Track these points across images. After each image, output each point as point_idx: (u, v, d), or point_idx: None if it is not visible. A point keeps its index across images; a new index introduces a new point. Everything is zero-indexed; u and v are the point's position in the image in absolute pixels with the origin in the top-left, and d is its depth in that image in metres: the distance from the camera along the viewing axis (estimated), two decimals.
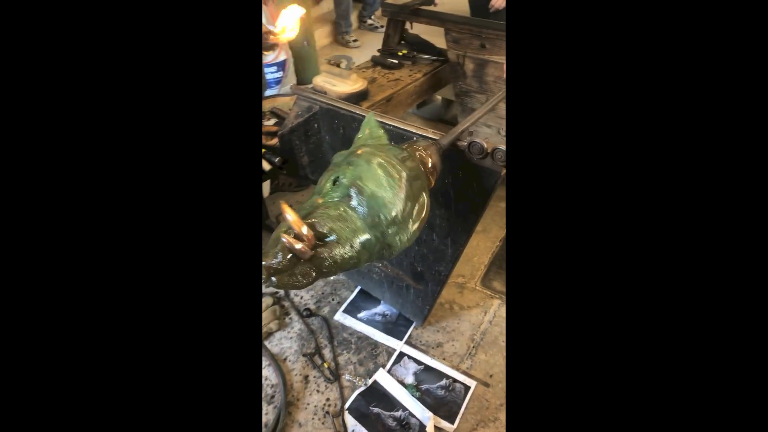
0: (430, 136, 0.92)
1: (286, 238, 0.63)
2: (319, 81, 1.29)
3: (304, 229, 0.64)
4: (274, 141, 1.23)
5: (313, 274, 0.66)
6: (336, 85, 1.34)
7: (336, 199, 0.73)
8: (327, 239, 0.68)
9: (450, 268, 1.14)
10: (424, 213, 0.75)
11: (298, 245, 0.63)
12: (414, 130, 0.95)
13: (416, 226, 0.74)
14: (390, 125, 0.99)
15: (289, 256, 0.65)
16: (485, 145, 0.82)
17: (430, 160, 0.84)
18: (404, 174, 0.73)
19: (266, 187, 1.55)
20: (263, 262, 0.64)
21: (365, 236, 0.70)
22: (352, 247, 0.69)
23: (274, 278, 0.64)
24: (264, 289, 1.58)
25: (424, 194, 0.77)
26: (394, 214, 0.71)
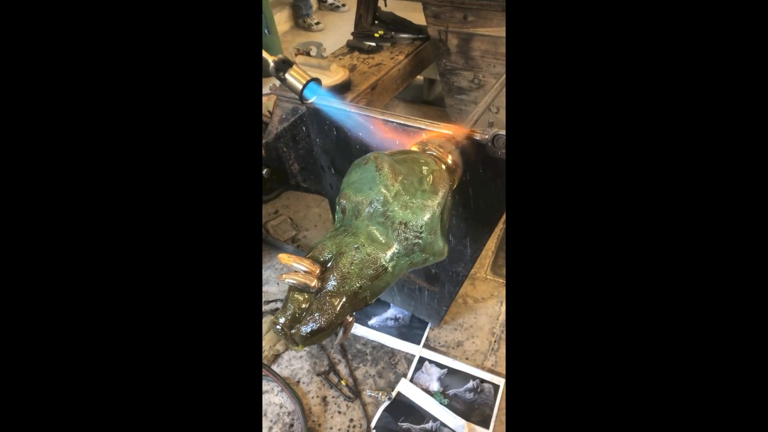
0: (443, 130, 0.82)
1: (286, 277, 0.54)
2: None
3: (297, 264, 0.56)
4: None
5: (336, 302, 0.56)
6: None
7: (337, 225, 0.67)
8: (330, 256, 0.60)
9: (469, 268, 1.05)
10: (433, 182, 0.65)
11: (298, 276, 0.55)
12: (424, 126, 0.84)
13: (430, 196, 0.63)
14: (394, 122, 0.88)
15: (303, 305, 0.55)
16: None
17: (449, 156, 0.74)
18: (381, 154, 0.66)
19: None
20: (275, 326, 0.55)
21: (368, 229, 0.61)
22: (358, 248, 0.59)
23: (296, 331, 0.54)
24: (264, 307, 1.47)
25: (429, 163, 0.68)
26: (383, 190, 0.61)
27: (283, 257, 0.55)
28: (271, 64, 0.94)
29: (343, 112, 0.94)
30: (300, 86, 0.95)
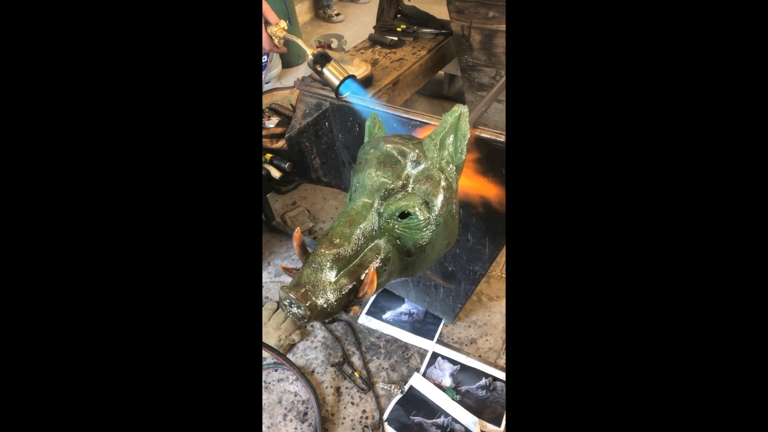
0: None
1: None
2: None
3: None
4: (281, 143, 1.11)
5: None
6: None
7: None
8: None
9: (487, 267, 1.06)
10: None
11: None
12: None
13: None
14: (415, 120, 0.88)
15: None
16: None
17: None
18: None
19: None
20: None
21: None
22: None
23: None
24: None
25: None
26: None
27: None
28: (310, 56, 0.95)
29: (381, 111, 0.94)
30: (337, 82, 0.96)
